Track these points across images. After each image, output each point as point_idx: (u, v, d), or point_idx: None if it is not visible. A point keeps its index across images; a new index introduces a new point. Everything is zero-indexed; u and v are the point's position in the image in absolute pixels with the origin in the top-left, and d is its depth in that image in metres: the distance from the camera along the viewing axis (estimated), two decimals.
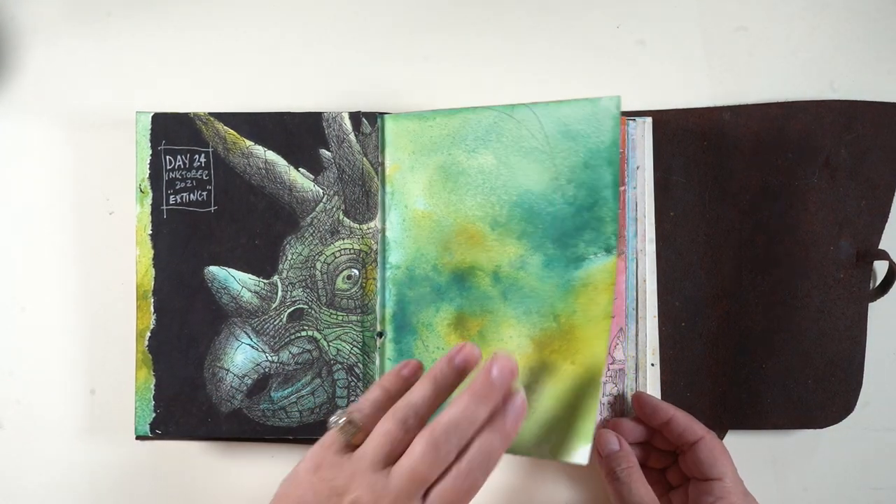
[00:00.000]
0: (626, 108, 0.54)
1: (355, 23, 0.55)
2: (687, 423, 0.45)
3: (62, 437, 0.53)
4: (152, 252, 0.51)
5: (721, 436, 0.53)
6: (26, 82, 0.55)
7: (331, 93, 0.55)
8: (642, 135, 0.52)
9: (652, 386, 0.51)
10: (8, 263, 0.54)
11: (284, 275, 0.51)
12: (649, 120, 0.52)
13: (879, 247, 0.52)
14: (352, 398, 0.51)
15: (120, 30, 0.55)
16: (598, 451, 0.48)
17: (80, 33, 0.55)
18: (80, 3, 0.55)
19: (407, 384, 0.40)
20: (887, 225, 0.52)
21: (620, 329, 0.51)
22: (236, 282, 0.51)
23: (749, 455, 0.53)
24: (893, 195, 0.52)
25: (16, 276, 0.54)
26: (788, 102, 0.53)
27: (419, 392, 0.37)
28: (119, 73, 0.55)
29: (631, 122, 0.51)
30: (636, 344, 0.51)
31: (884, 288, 0.53)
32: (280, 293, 0.51)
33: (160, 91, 0.55)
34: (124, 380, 0.53)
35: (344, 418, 0.38)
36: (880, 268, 0.54)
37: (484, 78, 0.55)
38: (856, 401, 0.52)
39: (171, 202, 0.51)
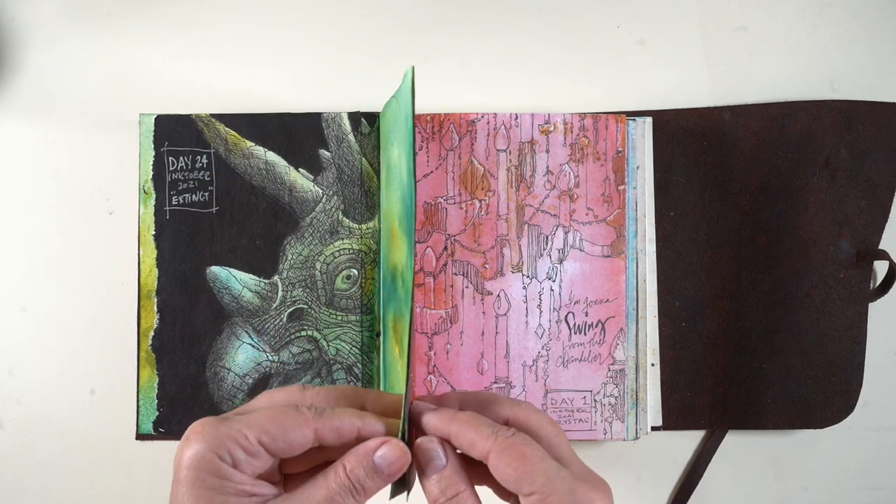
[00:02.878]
0: (626, 108, 0.54)
1: (355, 23, 0.55)
2: (470, 437, 0.34)
3: (62, 437, 0.53)
4: (156, 252, 0.51)
5: (721, 436, 0.53)
6: (26, 82, 0.55)
7: (331, 93, 0.55)
8: (642, 135, 0.52)
9: (652, 386, 0.52)
10: (8, 263, 0.54)
11: (285, 275, 0.51)
12: (649, 120, 0.52)
13: (879, 247, 0.52)
14: None
15: (120, 30, 0.55)
16: (418, 469, 0.35)
17: (80, 33, 0.55)
18: (80, 3, 0.55)
19: None
20: (887, 225, 0.52)
21: (620, 329, 0.51)
22: (238, 282, 0.51)
23: (749, 455, 0.54)
24: (893, 195, 0.52)
25: (16, 276, 0.54)
26: (788, 102, 0.53)
27: None
28: (118, 73, 0.55)
29: (631, 122, 0.51)
30: (636, 344, 0.51)
31: (884, 288, 0.53)
32: (280, 293, 0.51)
33: (160, 91, 0.55)
34: (124, 380, 0.53)
35: None
36: (880, 268, 0.54)
37: (484, 78, 0.55)
38: (856, 401, 0.52)
39: (173, 203, 0.51)
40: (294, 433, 0.32)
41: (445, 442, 0.34)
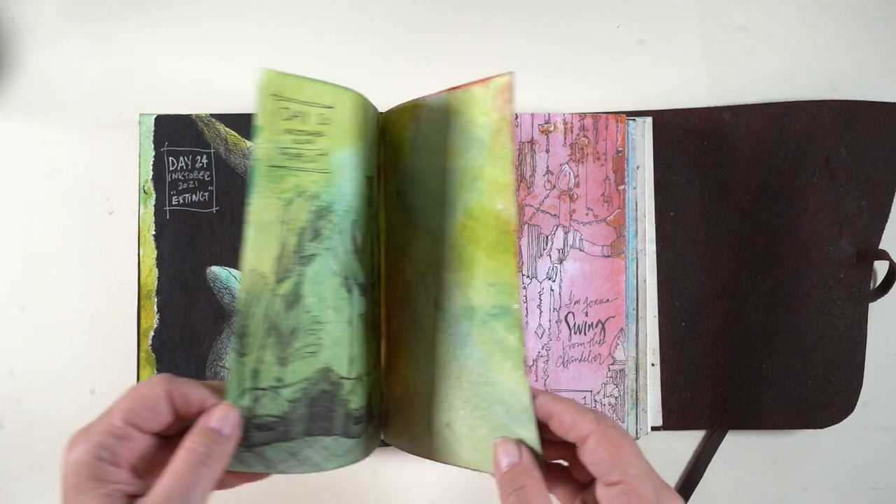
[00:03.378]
0: (626, 108, 0.54)
1: (355, 23, 0.55)
2: (574, 418, 0.37)
3: (62, 437, 0.53)
4: (156, 252, 0.51)
5: (721, 436, 0.53)
6: (26, 82, 0.55)
7: None
8: (642, 135, 0.52)
9: (652, 386, 0.52)
10: (8, 263, 0.54)
11: None
12: (649, 120, 0.52)
13: (879, 247, 0.52)
14: None
15: (120, 30, 0.55)
16: (496, 464, 0.38)
17: (80, 33, 0.55)
18: (80, 3, 0.55)
19: None
20: (887, 225, 0.52)
21: (620, 329, 0.51)
22: (238, 282, 0.51)
23: (749, 455, 0.54)
24: (893, 195, 0.52)
25: (16, 276, 0.54)
26: (788, 102, 0.53)
27: None
28: (119, 73, 0.55)
29: (631, 122, 0.51)
30: (636, 344, 0.51)
31: (884, 288, 0.53)
32: None
33: (160, 91, 0.55)
34: (124, 380, 0.53)
35: None
36: (880, 268, 0.54)
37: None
38: (856, 401, 0.52)
39: (173, 203, 0.51)
40: (149, 398, 0.35)
41: (521, 443, 0.38)
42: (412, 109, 0.45)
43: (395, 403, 0.46)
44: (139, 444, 0.35)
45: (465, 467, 0.41)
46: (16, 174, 0.54)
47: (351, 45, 0.55)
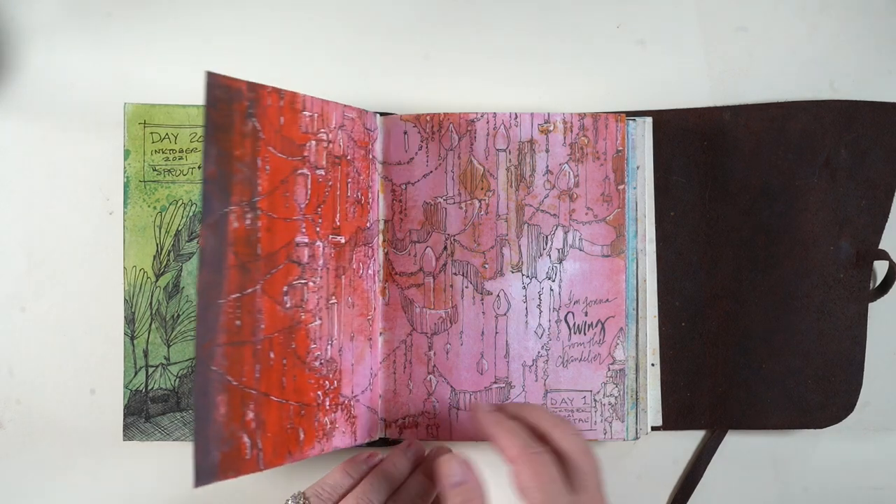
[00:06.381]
0: (626, 108, 0.54)
1: (356, 23, 0.55)
2: (504, 443, 0.39)
3: (62, 437, 0.53)
4: None
5: (721, 436, 0.53)
6: (26, 82, 0.55)
7: (330, 92, 0.55)
8: (642, 135, 0.52)
9: (652, 386, 0.52)
10: (8, 263, 0.54)
11: None
12: (649, 120, 0.52)
13: (879, 247, 0.52)
14: None
15: (120, 30, 0.55)
16: (438, 480, 0.40)
17: (80, 33, 0.55)
18: (80, 3, 0.55)
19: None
20: (887, 225, 0.52)
21: (620, 329, 0.51)
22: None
23: (749, 455, 0.54)
24: (893, 195, 0.52)
25: (16, 276, 0.54)
26: (788, 102, 0.53)
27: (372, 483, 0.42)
28: (119, 73, 0.55)
29: (631, 122, 0.51)
30: (636, 344, 0.51)
31: (884, 288, 0.53)
32: None
33: (160, 91, 0.55)
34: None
35: (301, 499, 0.41)
36: (880, 268, 0.54)
37: (484, 78, 0.55)
38: (856, 401, 0.52)
39: None
40: None
41: (465, 462, 0.39)
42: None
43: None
44: None
45: None
46: (16, 174, 0.54)
47: (351, 44, 0.55)
